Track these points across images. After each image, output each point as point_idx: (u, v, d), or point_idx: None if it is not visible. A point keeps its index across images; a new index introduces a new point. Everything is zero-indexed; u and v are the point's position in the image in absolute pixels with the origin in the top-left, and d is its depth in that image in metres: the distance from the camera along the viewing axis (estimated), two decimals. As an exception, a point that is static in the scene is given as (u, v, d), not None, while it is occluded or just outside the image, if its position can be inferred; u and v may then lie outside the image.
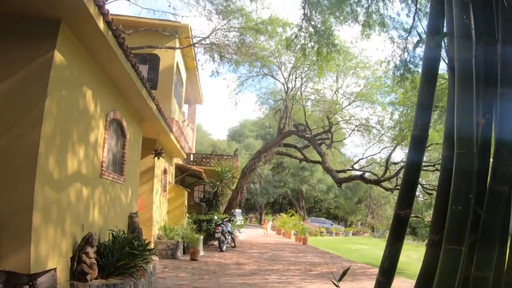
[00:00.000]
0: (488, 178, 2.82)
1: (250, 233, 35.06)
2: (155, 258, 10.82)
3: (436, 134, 18.54)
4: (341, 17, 13.75)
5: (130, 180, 10.81)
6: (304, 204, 61.85)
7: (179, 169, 22.86)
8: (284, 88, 28.34)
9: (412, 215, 3.24)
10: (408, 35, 13.45)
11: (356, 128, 28.17)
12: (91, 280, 7.10)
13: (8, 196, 5.61)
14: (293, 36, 14.65)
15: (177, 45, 19.33)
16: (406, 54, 13.68)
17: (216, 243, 21.08)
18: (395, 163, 25.46)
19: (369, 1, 13.13)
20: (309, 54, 16.33)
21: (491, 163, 2.82)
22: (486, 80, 2.91)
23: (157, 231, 16.01)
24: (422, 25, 11.69)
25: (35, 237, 5.64)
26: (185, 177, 23.75)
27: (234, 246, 22.48)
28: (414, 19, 12.19)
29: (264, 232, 30.78)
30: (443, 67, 10.02)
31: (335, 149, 30.61)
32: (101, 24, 6.30)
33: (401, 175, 19.61)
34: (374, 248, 26.52)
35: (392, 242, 3.21)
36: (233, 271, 13.70)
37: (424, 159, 12.74)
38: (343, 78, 28.23)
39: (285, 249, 24.17)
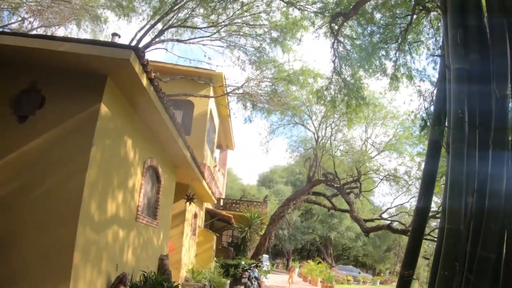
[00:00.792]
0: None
1: (276, 279, 34.78)
2: (182, 300, 11.15)
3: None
4: (370, 70, 14.27)
5: (162, 224, 11.29)
6: (332, 251, 61.04)
7: (209, 214, 23.28)
8: (315, 137, 28.88)
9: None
10: (435, 89, 13.83)
11: (384, 178, 28.28)
12: (122, 318, 7.51)
13: (52, 235, 6.15)
14: (324, 89, 15.20)
15: (211, 92, 20.13)
16: (432, 107, 14.02)
17: (242, 287, 21.18)
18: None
19: (397, 55, 13.62)
20: (339, 106, 16.82)
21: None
22: (475, 168, 3.36)
23: (185, 274, 16.33)
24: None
25: (75, 275, 6.13)
26: (215, 221, 24.13)
27: (260, 292, 22.50)
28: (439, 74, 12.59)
29: (290, 280, 30.17)
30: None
31: (364, 198, 30.60)
32: (144, 81, 6.93)
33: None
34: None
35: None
36: (258, 317, 13.83)
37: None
38: (372, 128, 28.64)
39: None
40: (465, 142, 3.25)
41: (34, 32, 18.37)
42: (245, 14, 17.41)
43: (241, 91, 19.64)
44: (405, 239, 51.06)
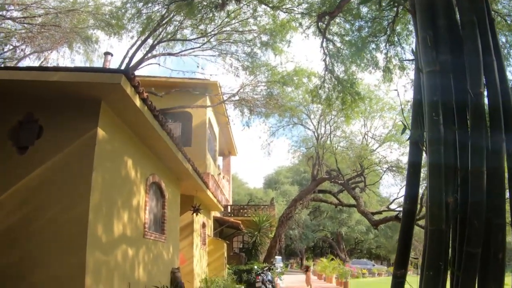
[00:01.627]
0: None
1: (291, 279, 34.84)
2: (198, 311, 11.26)
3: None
4: (362, 65, 14.40)
5: (170, 237, 11.41)
6: (344, 246, 61.04)
7: (218, 222, 23.40)
8: (315, 135, 28.99)
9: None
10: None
11: (388, 169, 28.35)
12: (139, 335, 7.63)
13: (62, 262, 6.30)
14: (318, 88, 15.32)
15: (208, 102, 20.27)
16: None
17: (257, 292, 21.22)
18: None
19: (387, 47, 13.72)
20: (335, 103, 16.92)
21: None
22: (455, 167, 3.49)
23: (199, 284, 16.44)
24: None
25: (88, 298, 6.26)
26: (224, 228, 24.24)
27: (276, 295, 22.58)
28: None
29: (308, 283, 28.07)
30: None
31: (370, 191, 30.67)
32: (138, 101, 7.07)
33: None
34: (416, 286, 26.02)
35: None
36: (275, 320, 13.93)
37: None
38: (370, 121, 28.79)
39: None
40: (441, 143, 3.36)
41: (27, 59, 18.62)
42: (233, 21, 17.52)
43: (237, 97, 19.73)
44: (416, 227, 51.09)
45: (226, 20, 17.16)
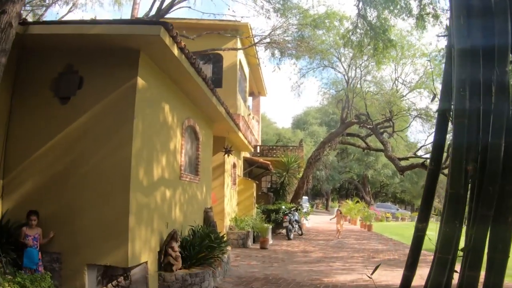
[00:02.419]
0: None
1: (316, 220, 35.77)
2: (228, 248, 11.84)
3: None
4: (395, 11, 14.13)
5: (204, 178, 11.88)
6: (370, 189, 61.55)
7: (247, 162, 23.90)
8: (345, 78, 28.74)
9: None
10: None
11: (417, 116, 28.13)
12: (176, 270, 8.20)
13: (108, 204, 6.76)
14: (350, 33, 15.18)
15: (239, 44, 20.23)
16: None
17: (284, 231, 21.86)
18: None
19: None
20: (366, 49, 16.77)
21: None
22: (476, 139, 3.73)
23: (229, 222, 17.12)
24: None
25: (131, 236, 6.76)
26: (253, 169, 24.75)
27: (302, 234, 23.29)
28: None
29: (338, 229, 23.84)
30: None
31: (398, 136, 30.60)
32: (176, 51, 7.26)
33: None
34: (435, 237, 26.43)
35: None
36: (300, 258, 14.57)
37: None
38: (402, 67, 28.28)
39: (350, 236, 24.64)
40: (466, 117, 3.56)
41: (56, 5, 18.65)
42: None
43: (268, 40, 19.67)
44: (441, 175, 50.92)
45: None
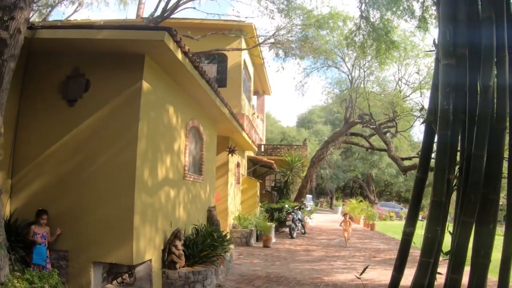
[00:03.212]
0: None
1: (320, 219, 35.82)
2: (231, 246, 12.04)
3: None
4: (398, 12, 14.25)
5: (207, 177, 12.08)
6: (374, 188, 61.46)
7: (251, 161, 24.07)
8: (349, 78, 28.86)
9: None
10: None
11: (420, 116, 28.17)
12: (179, 268, 8.42)
13: (113, 204, 6.97)
14: (353, 35, 15.32)
15: (243, 44, 20.40)
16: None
17: (287, 230, 22.04)
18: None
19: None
20: (369, 49, 16.90)
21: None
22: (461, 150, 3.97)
23: (232, 221, 17.31)
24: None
25: (136, 235, 6.97)
26: (257, 167, 24.90)
27: (304, 233, 23.39)
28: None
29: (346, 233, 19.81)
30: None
31: (401, 136, 30.70)
32: (179, 55, 7.46)
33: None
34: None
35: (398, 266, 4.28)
36: (302, 257, 14.77)
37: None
38: (405, 67, 28.43)
39: (352, 235, 24.57)
40: (449, 129, 3.75)
41: (61, 4, 18.82)
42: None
43: (272, 40, 19.82)
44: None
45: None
